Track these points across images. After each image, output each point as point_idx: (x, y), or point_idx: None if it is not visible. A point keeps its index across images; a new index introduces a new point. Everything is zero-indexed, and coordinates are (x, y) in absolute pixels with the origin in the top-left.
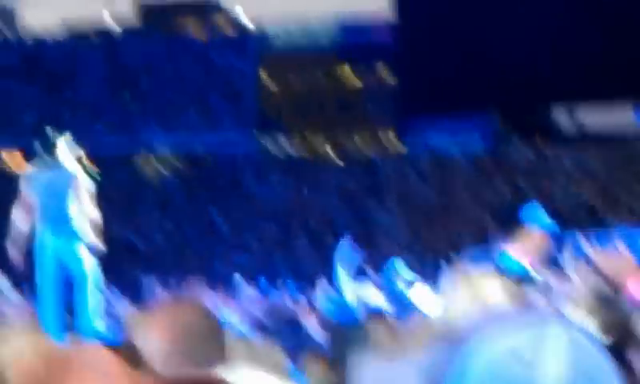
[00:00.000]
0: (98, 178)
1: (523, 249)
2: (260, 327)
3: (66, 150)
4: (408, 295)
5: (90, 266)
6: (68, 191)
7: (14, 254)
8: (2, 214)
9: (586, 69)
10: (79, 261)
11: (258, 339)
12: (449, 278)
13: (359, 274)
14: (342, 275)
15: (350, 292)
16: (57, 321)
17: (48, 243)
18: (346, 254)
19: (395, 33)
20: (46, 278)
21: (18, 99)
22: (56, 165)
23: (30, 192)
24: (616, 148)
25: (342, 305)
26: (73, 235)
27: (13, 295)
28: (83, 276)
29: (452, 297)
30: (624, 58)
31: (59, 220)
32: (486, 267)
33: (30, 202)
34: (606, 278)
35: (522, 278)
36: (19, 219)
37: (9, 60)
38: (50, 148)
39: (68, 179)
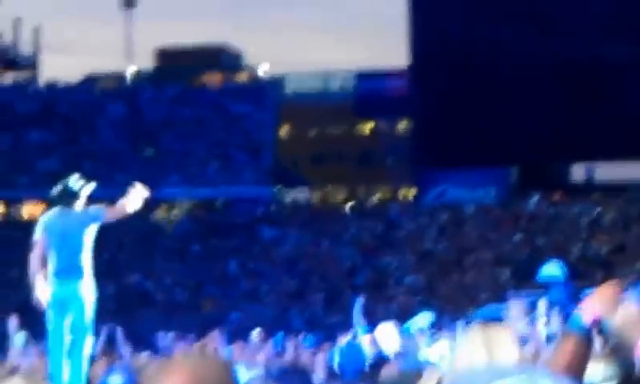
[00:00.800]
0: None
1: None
2: (274, 380)
3: (80, 194)
4: (422, 347)
5: (90, 311)
6: (79, 237)
7: (38, 293)
8: (19, 263)
9: (603, 127)
10: (81, 307)
11: None
12: (464, 333)
13: (377, 325)
14: (360, 328)
15: (367, 344)
16: (62, 369)
17: (57, 290)
18: (361, 308)
19: (413, 87)
20: (54, 325)
21: (38, 148)
22: (70, 211)
23: (43, 239)
24: (632, 203)
25: (357, 356)
26: (80, 280)
27: (24, 343)
28: (81, 323)
29: (466, 352)
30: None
31: (69, 265)
32: (500, 322)
33: (42, 245)
34: (617, 335)
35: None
36: (34, 261)
37: (29, 108)
38: (65, 194)
39: (80, 224)
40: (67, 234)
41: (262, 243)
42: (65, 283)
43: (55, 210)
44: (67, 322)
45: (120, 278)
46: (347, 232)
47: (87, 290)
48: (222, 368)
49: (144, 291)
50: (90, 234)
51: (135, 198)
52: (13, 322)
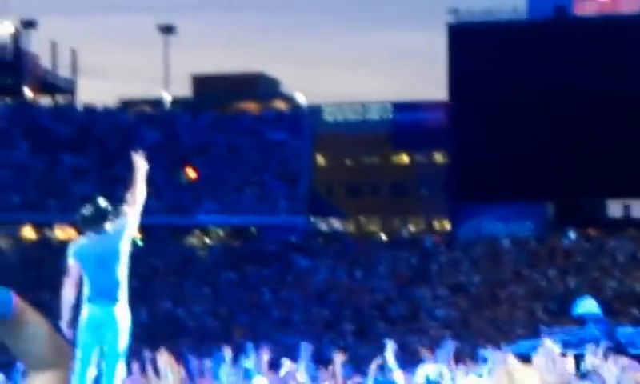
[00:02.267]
0: (140, 244)
1: None
2: None
3: (109, 216)
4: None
5: (125, 337)
6: (114, 259)
7: (64, 324)
8: (50, 284)
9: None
10: (116, 332)
11: None
12: (493, 369)
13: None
14: (392, 361)
15: (399, 377)
16: None
17: (92, 314)
18: (394, 356)
19: (450, 120)
20: (84, 349)
21: (72, 172)
22: (102, 233)
23: (76, 262)
24: None
25: None
26: (116, 305)
27: None
28: (115, 348)
29: None
30: None
31: (105, 290)
32: (529, 359)
33: (76, 272)
34: None
35: None
36: (67, 290)
37: (65, 132)
38: (95, 216)
39: (112, 247)
40: (101, 258)
41: (295, 272)
42: (100, 308)
43: (87, 235)
44: (99, 347)
45: (152, 304)
46: (381, 263)
47: (123, 315)
48: None
49: (176, 318)
50: (124, 252)
51: (140, 163)
52: None
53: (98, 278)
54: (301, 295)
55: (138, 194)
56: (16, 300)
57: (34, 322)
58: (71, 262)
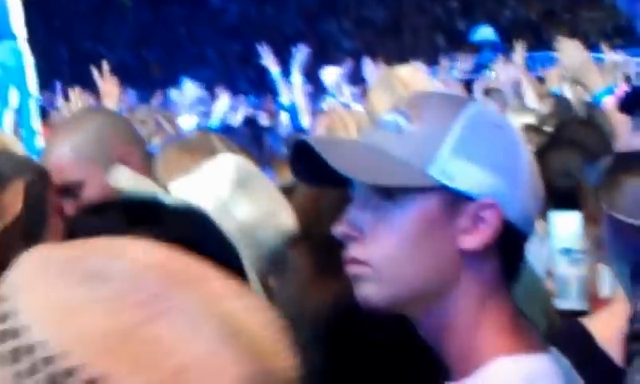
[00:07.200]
0: None
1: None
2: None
3: None
4: (352, 98)
5: (26, 68)
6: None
7: None
8: None
9: None
10: (20, 65)
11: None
12: (380, 76)
13: (312, 80)
14: (297, 83)
15: (304, 98)
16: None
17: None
18: (300, 62)
19: None
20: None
21: None
22: None
23: None
24: None
25: (296, 111)
26: (10, 40)
27: None
28: (22, 80)
29: (380, 91)
30: None
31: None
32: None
33: None
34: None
35: None
36: None
37: None
38: None
39: None
40: None
41: (208, 10)
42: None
43: None
44: (10, 89)
45: (73, 43)
46: (290, 0)
47: (21, 50)
48: (125, 122)
49: (97, 56)
50: None
51: None
52: None
53: None
54: (214, 32)
55: None
56: None
57: None
58: None
